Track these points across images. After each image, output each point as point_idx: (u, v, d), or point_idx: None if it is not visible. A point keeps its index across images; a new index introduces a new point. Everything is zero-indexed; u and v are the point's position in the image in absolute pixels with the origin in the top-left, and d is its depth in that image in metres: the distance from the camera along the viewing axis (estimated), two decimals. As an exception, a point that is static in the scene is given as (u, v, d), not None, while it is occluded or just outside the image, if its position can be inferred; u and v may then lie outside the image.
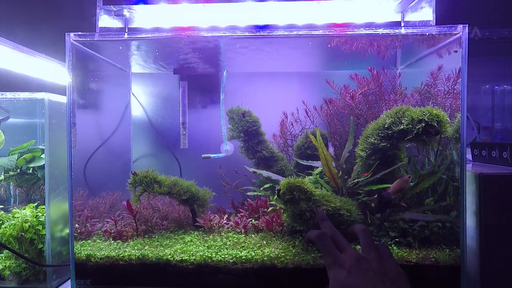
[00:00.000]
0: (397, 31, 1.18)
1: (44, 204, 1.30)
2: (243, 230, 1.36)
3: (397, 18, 1.42)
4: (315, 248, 1.14)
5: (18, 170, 1.54)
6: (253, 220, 1.39)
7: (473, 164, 1.44)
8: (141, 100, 1.90)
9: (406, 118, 1.14)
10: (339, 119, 1.62)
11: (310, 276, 1.13)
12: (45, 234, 1.29)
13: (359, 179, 1.28)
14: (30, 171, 1.55)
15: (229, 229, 1.39)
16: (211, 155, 1.78)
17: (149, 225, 1.43)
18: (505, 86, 2.44)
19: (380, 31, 1.16)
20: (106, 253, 1.21)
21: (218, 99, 1.81)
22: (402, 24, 1.40)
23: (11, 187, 1.65)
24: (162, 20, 1.46)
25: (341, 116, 1.61)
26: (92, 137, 1.69)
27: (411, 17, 1.37)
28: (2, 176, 1.56)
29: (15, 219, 1.31)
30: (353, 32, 1.18)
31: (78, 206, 1.47)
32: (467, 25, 1.11)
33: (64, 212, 1.35)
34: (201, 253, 1.19)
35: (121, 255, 1.20)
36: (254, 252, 1.17)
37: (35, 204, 1.42)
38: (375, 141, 1.21)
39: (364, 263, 0.79)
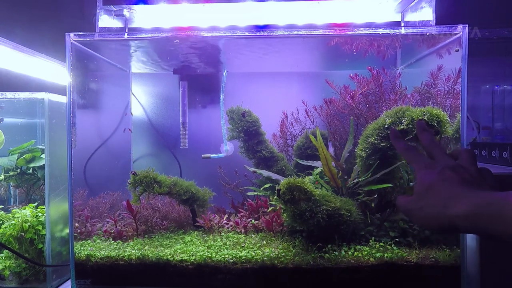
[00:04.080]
0: (397, 31, 1.18)
1: (44, 204, 1.30)
2: (243, 230, 1.36)
3: (397, 18, 1.42)
4: None
5: (18, 170, 1.54)
6: (253, 220, 1.39)
7: (473, 164, 1.44)
8: (141, 100, 1.90)
9: (406, 118, 1.14)
10: (339, 119, 1.62)
11: (310, 276, 1.13)
12: (45, 234, 1.29)
13: (359, 179, 1.28)
14: (30, 171, 1.55)
15: (229, 229, 1.39)
16: (211, 155, 1.78)
17: (149, 225, 1.43)
18: (505, 86, 2.44)
19: (380, 31, 1.16)
20: (106, 253, 1.21)
21: (218, 99, 1.81)
22: (402, 24, 1.40)
23: (11, 187, 1.65)
24: (162, 20, 1.46)
25: (341, 116, 1.61)
26: (92, 137, 1.69)
27: (411, 17, 1.37)
28: (2, 176, 1.56)
29: (15, 219, 1.31)
30: (353, 32, 1.18)
31: (78, 206, 1.47)
32: (467, 25, 1.11)
33: (64, 212, 1.35)
34: (201, 253, 1.19)
35: (121, 255, 1.20)
36: (254, 252, 1.17)
37: (35, 204, 1.42)
38: (375, 141, 1.21)
39: (457, 168, 0.73)
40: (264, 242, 1.24)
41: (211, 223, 1.40)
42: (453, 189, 0.69)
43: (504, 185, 1.10)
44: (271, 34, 1.21)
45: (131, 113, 1.29)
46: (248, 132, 1.62)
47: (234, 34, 1.23)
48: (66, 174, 1.22)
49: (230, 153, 1.80)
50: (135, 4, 1.33)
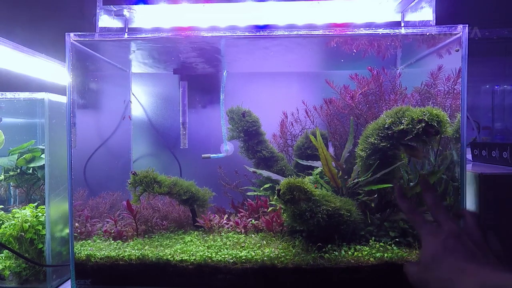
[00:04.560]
0: (397, 31, 1.18)
1: (44, 204, 1.30)
2: (243, 230, 1.36)
3: (397, 18, 1.42)
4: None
5: (18, 170, 1.54)
6: (253, 220, 1.39)
7: (473, 164, 1.44)
8: (141, 100, 1.90)
9: (406, 118, 1.14)
10: (339, 119, 1.62)
11: (310, 276, 1.13)
12: (45, 234, 1.29)
13: (359, 179, 1.28)
14: (30, 171, 1.55)
15: (229, 229, 1.39)
16: (211, 155, 1.78)
17: (149, 225, 1.44)
18: (505, 86, 2.44)
19: (380, 31, 1.16)
20: (106, 253, 1.21)
21: (218, 99, 1.81)
22: (402, 24, 1.40)
23: (11, 187, 1.65)
24: (162, 20, 1.46)
25: (341, 116, 1.61)
26: (92, 137, 1.69)
27: (411, 17, 1.37)
28: (2, 176, 1.56)
29: (15, 219, 1.31)
30: (353, 32, 1.18)
31: (78, 206, 1.47)
32: (467, 25, 1.11)
33: (64, 212, 1.35)
34: (201, 253, 1.19)
35: (121, 255, 1.20)
36: (254, 252, 1.17)
37: (35, 204, 1.42)
38: (375, 141, 1.21)
39: (461, 237, 0.73)
40: (264, 242, 1.24)
41: (211, 223, 1.40)
42: (459, 264, 0.68)
43: (504, 185, 1.10)
44: (271, 34, 1.21)
45: (130, 101, 1.30)
46: (248, 132, 1.62)
47: (234, 34, 1.23)
48: (66, 174, 1.22)
49: (230, 153, 1.80)
50: (135, 4, 1.33)
